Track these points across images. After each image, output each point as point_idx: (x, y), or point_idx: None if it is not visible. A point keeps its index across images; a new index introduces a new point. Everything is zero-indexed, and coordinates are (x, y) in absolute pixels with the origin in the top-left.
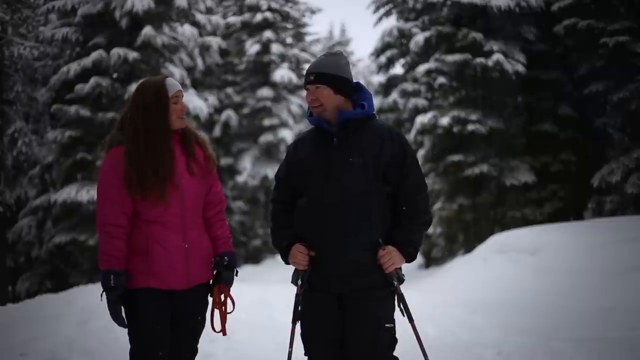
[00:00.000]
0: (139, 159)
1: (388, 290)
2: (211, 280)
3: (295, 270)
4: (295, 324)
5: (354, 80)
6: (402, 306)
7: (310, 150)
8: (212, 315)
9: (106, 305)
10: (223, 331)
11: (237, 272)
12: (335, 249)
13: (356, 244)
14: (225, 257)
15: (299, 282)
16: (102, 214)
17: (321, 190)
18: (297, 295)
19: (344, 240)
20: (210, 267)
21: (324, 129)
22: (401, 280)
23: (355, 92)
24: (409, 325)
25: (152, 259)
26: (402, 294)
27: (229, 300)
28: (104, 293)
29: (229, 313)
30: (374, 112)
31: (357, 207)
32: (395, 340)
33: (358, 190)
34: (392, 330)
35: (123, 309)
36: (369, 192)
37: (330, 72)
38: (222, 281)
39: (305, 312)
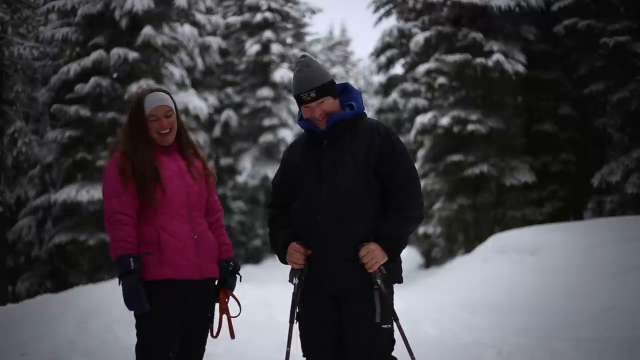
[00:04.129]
0: (131, 156)
1: (387, 291)
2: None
3: (292, 269)
4: (293, 323)
5: (349, 81)
6: (382, 308)
7: (302, 154)
8: (220, 321)
9: (123, 294)
10: (231, 334)
11: (240, 277)
12: (328, 249)
13: (348, 244)
14: (231, 263)
15: (296, 281)
16: (109, 207)
17: (313, 192)
18: (294, 294)
19: (336, 240)
20: (217, 264)
21: (315, 132)
22: (384, 276)
23: (342, 92)
24: (410, 324)
25: (163, 248)
26: (385, 293)
27: (234, 304)
28: (122, 279)
29: (234, 317)
30: (364, 111)
31: (348, 207)
32: (394, 341)
33: (349, 190)
34: (390, 331)
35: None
36: (360, 191)
37: (325, 81)
38: (227, 286)
39: (302, 313)
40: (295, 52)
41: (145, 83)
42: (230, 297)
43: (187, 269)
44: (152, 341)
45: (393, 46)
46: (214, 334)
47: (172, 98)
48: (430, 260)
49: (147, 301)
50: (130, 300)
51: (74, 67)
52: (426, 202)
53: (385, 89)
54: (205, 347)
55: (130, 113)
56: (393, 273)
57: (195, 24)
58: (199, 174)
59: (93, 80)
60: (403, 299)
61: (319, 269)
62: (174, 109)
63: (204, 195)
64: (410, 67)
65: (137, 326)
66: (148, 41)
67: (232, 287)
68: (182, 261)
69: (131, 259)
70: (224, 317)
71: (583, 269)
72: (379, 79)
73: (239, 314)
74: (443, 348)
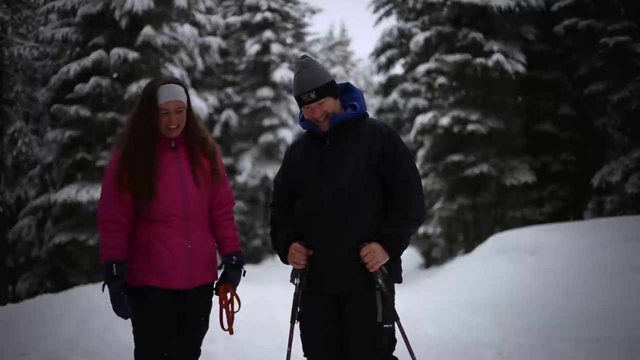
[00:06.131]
0: (130, 158)
1: (388, 290)
2: (216, 281)
3: (294, 269)
4: (294, 323)
5: (349, 81)
6: (384, 308)
7: (304, 153)
8: (220, 314)
9: (109, 300)
10: (230, 330)
11: (244, 272)
12: (329, 249)
13: (350, 244)
14: (234, 257)
15: (297, 281)
16: (102, 211)
17: (315, 192)
18: (295, 295)
19: (338, 240)
20: (214, 268)
21: (317, 132)
22: (385, 275)
23: (344, 92)
24: (410, 324)
25: (153, 256)
26: (386, 293)
27: (235, 300)
28: (106, 285)
29: (234, 312)
30: (366, 111)
31: (350, 208)
32: (395, 341)
33: (351, 190)
34: (391, 331)
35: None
36: (362, 192)
37: (324, 82)
38: (229, 280)
39: (304, 312)
40: (295, 52)
41: (145, 83)
42: (230, 293)
43: (176, 280)
44: (146, 346)
45: (393, 46)
46: (225, 327)
47: (185, 90)
48: (430, 260)
49: (131, 309)
50: (114, 306)
51: (74, 67)
52: (426, 202)
53: (385, 89)
54: (201, 348)
55: (142, 100)
56: (394, 273)
57: (195, 24)
58: (203, 175)
59: (93, 80)
60: (403, 299)
61: (320, 269)
62: (185, 104)
63: (205, 199)
64: (410, 67)
65: (133, 333)
66: (148, 41)
67: (235, 281)
68: (171, 272)
69: (114, 265)
70: (226, 311)
71: (583, 269)
72: (379, 79)
73: (238, 309)
74: (443, 348)
